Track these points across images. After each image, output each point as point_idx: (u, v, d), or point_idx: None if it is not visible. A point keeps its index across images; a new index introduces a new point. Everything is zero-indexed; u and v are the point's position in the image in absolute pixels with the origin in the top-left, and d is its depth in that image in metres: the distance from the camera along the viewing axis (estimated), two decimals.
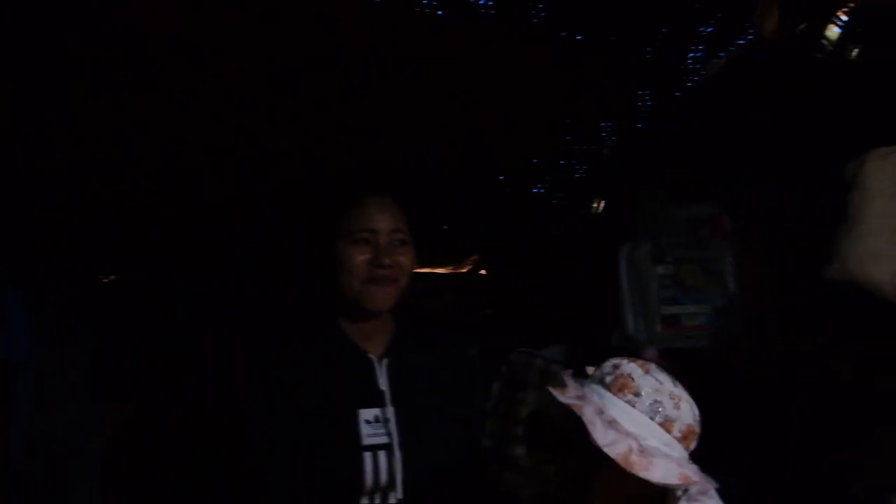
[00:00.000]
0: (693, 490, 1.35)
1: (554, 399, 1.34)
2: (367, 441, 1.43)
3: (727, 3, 2.30)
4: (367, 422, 1.45)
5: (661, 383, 1.38)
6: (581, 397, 1.35)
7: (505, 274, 3.70)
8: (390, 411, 1.47)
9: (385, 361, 1.53)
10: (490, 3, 1.97)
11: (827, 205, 2.16)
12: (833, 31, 2.42)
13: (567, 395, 1.34)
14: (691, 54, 2.57)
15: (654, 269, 2.69)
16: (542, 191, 3.29)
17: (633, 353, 2.99)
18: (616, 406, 1.34)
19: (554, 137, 2.85)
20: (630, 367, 1.41)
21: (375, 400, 1.48)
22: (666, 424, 1.34)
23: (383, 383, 1.50)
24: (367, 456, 1.43)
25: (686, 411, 1.38)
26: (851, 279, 1.90)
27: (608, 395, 1.36)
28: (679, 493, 1.35)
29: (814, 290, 2.16)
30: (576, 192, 3.28)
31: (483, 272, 4.14)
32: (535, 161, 3.05)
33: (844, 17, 2.39)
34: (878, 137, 2.19)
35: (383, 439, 1.44)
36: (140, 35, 1.87)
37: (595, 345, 2.97)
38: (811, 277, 2.13)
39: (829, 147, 2.34)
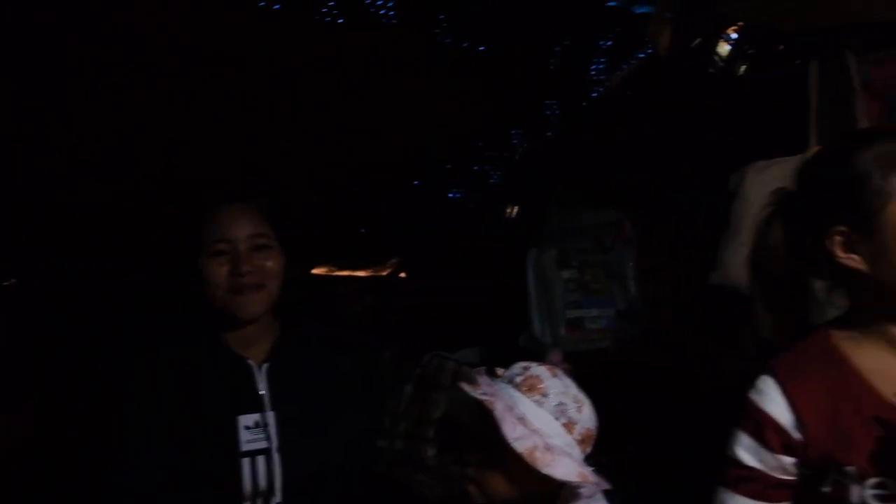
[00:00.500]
0: (585, 492, 1.43)
1: (465, 394, 1.39)
2: (245, 447, 1.43)
3: (625, 19, 2.39)
4: (247, 427, 1.45)
5: (567, 387, 1.45)
6: (492, 394, 1.40)
7: (423, 277, 3.74)
8: (270, 416, 1.47)
9: (266, 366, 1.53)
10: (392, 12, 2.00)
11: (715, 213, 2.27)
12: (724, 48, 2.55)
13: (479, 391, 1.39)
14: (594, 66, 2.66)
15: (559, 273, 2.78)
16: (458, 195, 3.36)
17: (540, 356, 3.10)
18: (525, 404, 1.40)
19: (464, 144, 2.91)
20: (539, 369, 1.47)
21: (255, 405, 1.47)
22: (568, 426, 1.40)
23: (263, 388, 1.49)
24: (246, 462, 1.43)
25: (587, 416, 1.44)
26: (733, 285, 2.00)
27: (517, 394, 1.42)
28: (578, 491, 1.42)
29: (705, 294, 2.28)
30: (491, 197, 3.35)
31: (403, 275, 4.18)
32: (448, 167, 3.10)
33: (734, 35, 2.52)
34: (761, 150, 2.32)
35: (262, 444, 1.44)
36: None
37: (505, 347, 3.04)
38: (703, 281, 2.24)
39: (718, 157, 2.46)
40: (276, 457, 1.44)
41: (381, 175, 2.99)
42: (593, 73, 2.71)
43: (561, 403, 1.41)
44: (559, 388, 1.44)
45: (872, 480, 1.11)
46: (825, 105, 2.13)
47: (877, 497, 1.11)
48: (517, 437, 1.32)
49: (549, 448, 1.34)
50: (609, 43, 2.53)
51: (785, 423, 1.16)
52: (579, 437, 1.41)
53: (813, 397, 1.16)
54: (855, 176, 1.15)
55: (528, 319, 2.85)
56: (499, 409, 1.35)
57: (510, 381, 1.44)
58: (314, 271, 3.99)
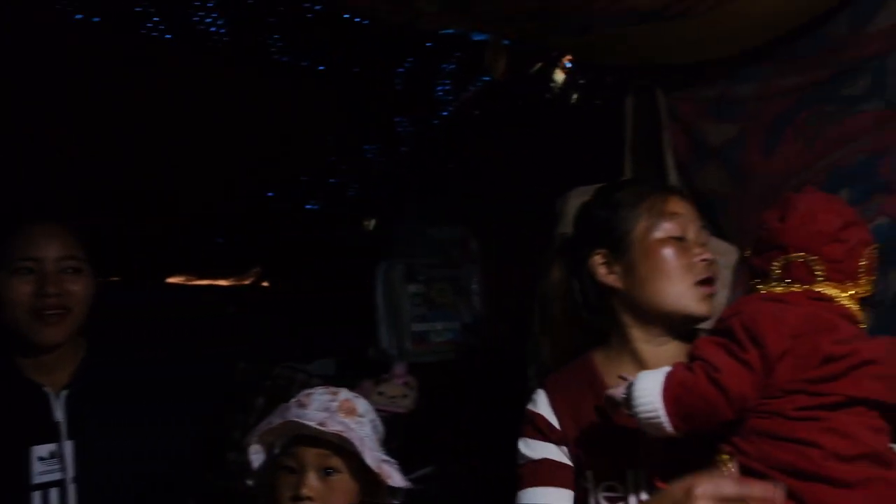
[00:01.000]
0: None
1: (308, 430, 1.40)
2: (37, 479, 1.39)
3: (465, 45, 2.49)
4: (41, 458, 1.40)
5: (369, 404, 1.53)
6: (324, 424, 1.41)
7: (285, 287, 3.72)
8: (67, 445, 1.43)
9: (65, 393, 1.49)
10: (223, 30, 2.00)
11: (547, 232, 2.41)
12: (560, 76, 2.71)
13: (329, 427, 1.40)
14: (440, 87, 2.75)
15: (406, 287, 2.85)
16: (316, 207, 3.37)
17: (387, 367, 3.17)
18: (356, 428, 1.45)
19: (316, 158, 2.93)
20: (346, 392, 1.53)
21: (50, 435, 1.44)
22: (378, 439, 1.49)
23: (60, 416, 1.45)
24: (37, 495, 1.39)
25: (380, 426, 1.53)
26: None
27: (345, 420, 1.45)
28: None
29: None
30: (350, 209, 3.38)
31: (265, 284, 4.12)
32: (304, 179, 3.11)
33: (569, 64, 2.68)
34: (588, 174, 2.48)
35: (56, 476, 1.40)
36: None
37: (357, 359, 3.08)
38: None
39: (552, 180, 2.60)
40: (70, 488, 1.40)
41: (234, 185, 2.96)
42: (440, 93, 2.80)
43: (373, 420, 1.50)
44: (367, 407, 1.52)
45: (604, 483, 1.29)
46: (638, 136, 2.30)
47: (607, 499, 1.28)
48: (372, 461, 1.38)
49: (385, 461, 1.43)
50: (452, 66, 2.62)
51: (551, 420, 1.36)
52: (384, 448, 1.52)
53: (569, 405, 1.36)
54: (611, 208, 1.40)
55: (376, 332, 2.90)
56: (356, 441, 1.39)
57: (326, 409, 1.46)
58: (171, 280, 3.87)
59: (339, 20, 2.00)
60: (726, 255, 2.11)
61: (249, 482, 1.53)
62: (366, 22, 2.01)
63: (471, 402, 2.89)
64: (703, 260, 1.32)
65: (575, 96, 2.62)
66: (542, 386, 1.40)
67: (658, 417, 1.15)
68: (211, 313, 3.95)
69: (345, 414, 1.45)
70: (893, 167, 1.85)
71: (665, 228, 1.33)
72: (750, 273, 1.31)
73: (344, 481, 1.40)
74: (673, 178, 2.25)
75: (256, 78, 2.31)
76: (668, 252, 1.32)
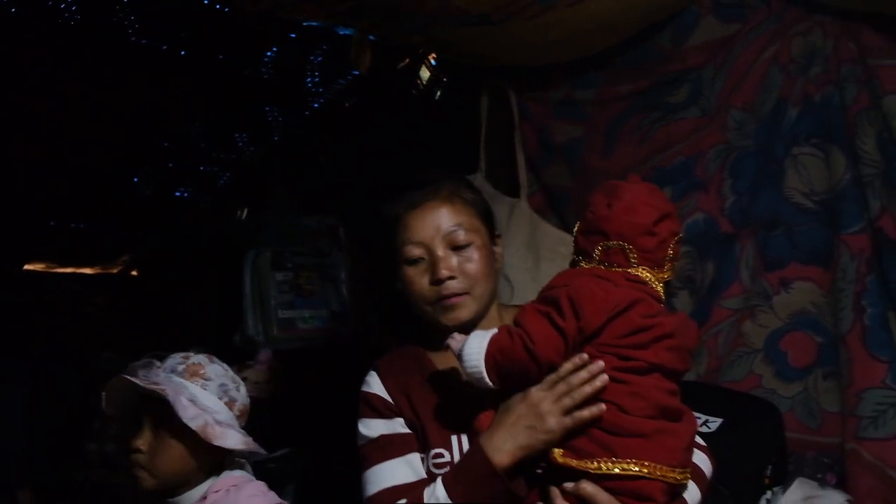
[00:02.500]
0: (242, 461, 1.63)
1: (133, 386, 1.50)
2: None
3: (331, 38, 2.54)
4: None
5: (225, 370, 1.64)
6: (159, 382, 1.53)
7: (155, 275, 3.64)
8: None
9: None
10: (75, 8, 1.96)
11: None
12: (425, 73, 2.81)
13: (145, 382, 1.51)
14: (309, 79, 2.79)
15: (273, 275, 2.88)
16: (185, 195, 3.32)
17: (253, 354, 3.19)
18: (191, 388, 1.56)
19: (183, 145, 2.90)
20: (199, 357, 1.64)
21: None
22: (230, 403, 1.60)
23: None
24: None
25: (243, 394, 1.65)
26: None
27: (181, 380, 1.57)
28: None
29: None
30: (222, 198, 3.36)
31: (135, 273, 4.02)
32: (171, 166, 3.06)
33: (433, 62, 2.79)
34: (451, 169, 2.59)
35: None
36: None
37: (226, 347, 3.07)
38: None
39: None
40: None
41: (95, 169, 2.88)
42: (310, 84, 2.84)
43: (223, 385, 1.61)
44: (219, 371, 1.63)
45: (433, 451, 1.38)
46: (492, 133, 2.44)
47: (436, 465, 1.37)
48: (191, 417, 1.48)
49: (217, 423, 1.52)
50: (319, 59, 2.67)
51: (384, 397, 1.44)
52: (238, 413, 1.62)
53: (399, 383, 1.45)
54: (388, 223, 1.47)
55: (243, 319, 2.91)
56: (170, 394, 1.50)
57: (172, 371, 1.60)
58: (28, 267, 3.71)
59: (199, 5, 2.00)
60: (567, 244, 2.29)
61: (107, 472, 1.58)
62: (226, 9, 2.02)
63: (335, 388, 2.96)
64: (443, 277, 1.39)
65: (439, 93, 2.73)
66: (373, 367, 1.48)
67: (481, 375, 1.28)
68: (74, 302, 3.82)
69: (189, 376, 1.58)
70: (706, 168, 2.08)
71: (406, 252, 1.42)
72: (574, 250, 1.42)
73: (173, 436, 1.50)
74: (523, 173, 2.40)
75: (116, 61, 2.27)
76: (409, 276, 1.42)
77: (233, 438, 1.52)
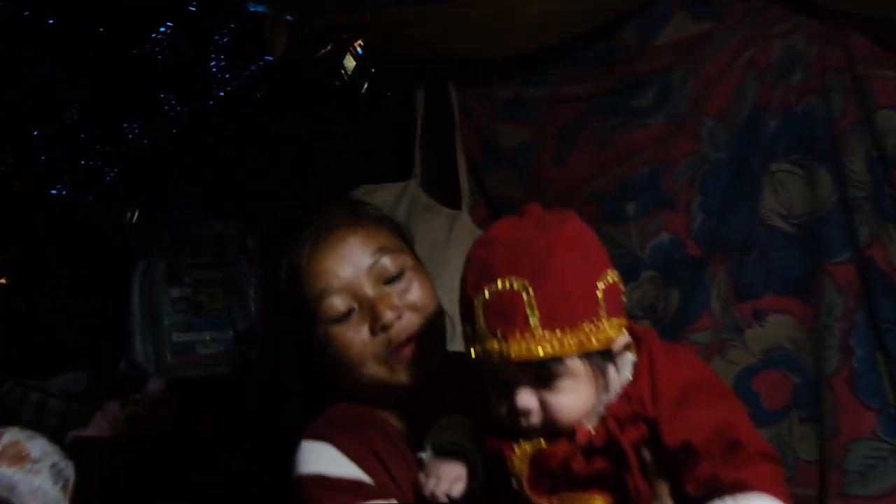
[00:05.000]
0: None
1: None
2: None
3: (239, 16, 2.17)
4: None
5: (44, 441, 1.37)
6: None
7: (22, 285, 3.13)
8: None
9: None
10: None
11: None
12: (350, 63, 2.47)
13: None
14: (213, 62, 2.40)
15: (168, 290, 2.47)
16: (63, 192, 2.86)
17: (141, 385, 2.77)
18: (20, 481, 1.28)
19: (60, 134, 2.45)
20: (13, 433, 1.35)
21: None
22: (66, 486, 1.35)
23: None
24: None
25: (71, 467, 1.38)
26: None
27: (6, 470, 1.28)
28: None
29: None
30: (107, 197, 2.91)
31: (3, 281, 3.48)
32: (45, 158, 2.60)
33: (360, 50, 2.45)
34: (376, 171, 2.28)
35: None
36: None
37: (108, 374, 2.64)
38: None
39: (338, 175, 2.37)
40: None
41: None
42: (214, 69, 2.45)
43: (55, 464, 1.34)
44: (42, 445, 1.35)
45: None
46: (429, 133, 2.14)
47: None
48: None
49: None
50: (226, 39, 2.28)
51: (352, 474, 1.12)
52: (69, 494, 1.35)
53: (356, 442, 1.15)
54: (290, 288, 1.19)
55: (130, 343, 2.49)
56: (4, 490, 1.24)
57: None
58: None
59: None
60: None
61: None
62: None
63: (243, 427, 2.57)
64: (390, 321, 1.11)
65: (366, 85, 2.40)
66: (316, 438, 1.15)
67: None
68: None
69: (8, 462, 1.28)
70: (675, 182, 1.84)
71: (326, 310, 1.12)
72: None
73: None
74: (465, 181, 2.10)
75: None
76: (339, 338, 1.13)
77: None
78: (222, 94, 2.60)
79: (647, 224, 1.87)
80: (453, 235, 1.96)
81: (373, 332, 1.12)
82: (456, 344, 1.80)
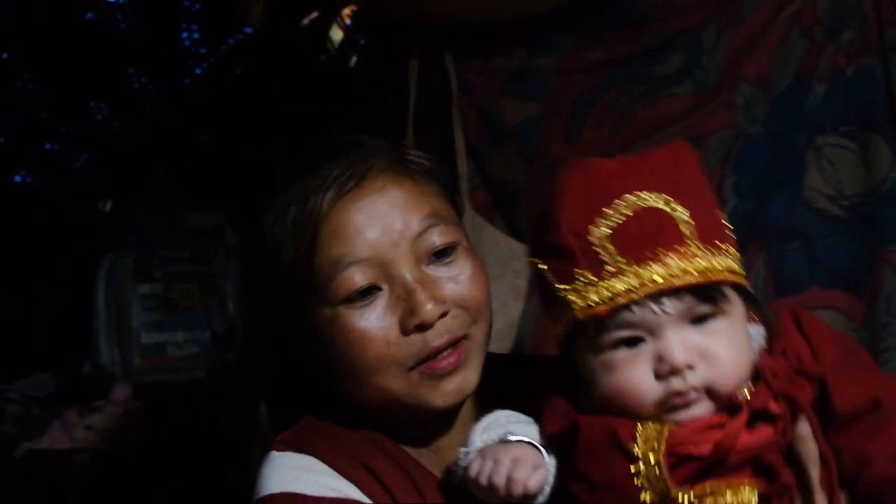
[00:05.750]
0: None
1: None
2: None
3: None
4: None
5: None
6: None
7: None
8: None
9: None
10: None
11: None
12: (338, 35, 2.25)
13: None
14: (185, 34, 2.17)
15: (135, 287, 2.24)
16: (28, 180, 2.64)
17: (107, 389, 2.54)
18: None
19: (18, 115, 2.22)
20: None
21: None
22: None
23: None
24: None
25: None
26: None
27: None
28: None
29: None
30: (78, 185, 2.68)
31: None
32: (4, 141, 2.38)
33: (349, 21, 2.23)
34: None
35: None
36: None
37: (73, 377, 2.41)
38: None
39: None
40: None
41: None
42: (188, 43, 2.22)
43: None
44: None
45: None
46: (424, 111, 1.90)
47: None
48: None
49: None
50: (197, 7, 2.06)
51: (341, 496, 0.86)
52: None
53: (345, 456, 0.89)
54: (282, 226, 0.90)
55: (94, 343, 2.27)
56: None
57: None
58: None
59: None
60: (521, 258, 1.78)
61: None
62: None
63: (219, 440, 2.33)
64: (433, 318, 0.83)
65: (354, 59, 2.17)
66: (293, 448, 0.90)
67: None
68: None
69: None
70: (705, 160, 1.59)
71: (342, 284, 0.83)
72: None
73: None
74: (463, 163, 1.87)
75: None
76: (352, 329, 0.83)
77: None
78: (198, 70, 2.38)
79: None
80: None
81: (403, 328, 0.84)
82: None
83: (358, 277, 0.83)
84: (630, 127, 1.69)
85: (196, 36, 2.18)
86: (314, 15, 2.20)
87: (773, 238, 1.59)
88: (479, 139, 1.92)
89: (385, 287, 0.85)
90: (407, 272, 0.84)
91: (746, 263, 1.57)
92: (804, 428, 0.74)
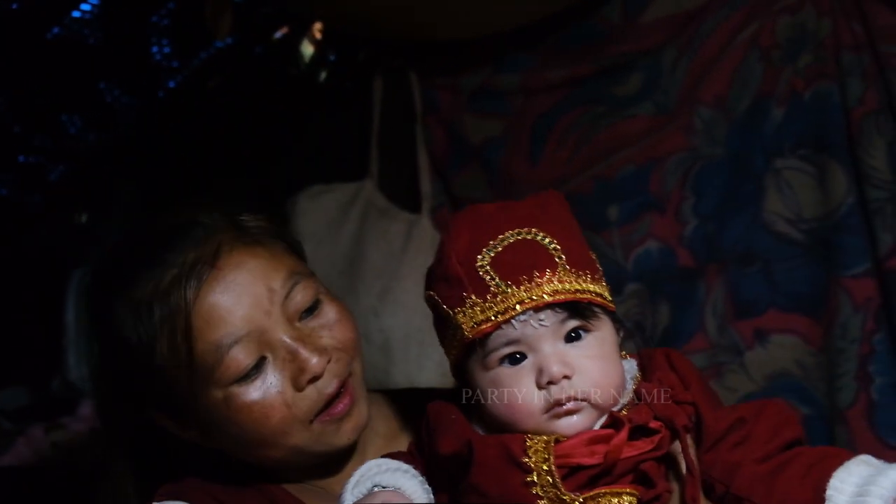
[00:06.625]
0: None
1: None
2: None
3: None
4: None
5: None
6: None
7: None
8: None
9: None
10: None
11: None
12: (308, 50, 2.24)
13: None
14: (156, 48, 2.16)
15: None
16: (2, 192, 2.63)
17: (75, 404, 2.53)
18: None
19: None
20: None
21: None
22: None
23: None
24: None
25: None
26: None
27: None
28: None
29: None
30: (54, 198, 2.67)
31: None
32: None
33: (319, 36, 2.22)
34: (331, 170, 2.04)
35: None
36: None
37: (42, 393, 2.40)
38: None
39: (294, 173, 2.14)
40: None
41: None
42: (159, 57, 2.21)
43: None
44: None
45: None
46: (388, 128, 1.90)
47: None
48: None
49: None
50: (166, 22, 2.05)
51: None
52: None
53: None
54: (147, 328, 0.89)
55: (63, 358, 2.26)
56: None
57: None
58: None
59: None
60: None
61: None
62: None
63: (197, 460, 2.30)
64: (319, 369, 0.88)
65: (324, 75, 2.16)
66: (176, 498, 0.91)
67: None
68: None
69: None
70: (664, 182, 1.59)
71: (228, 365, 0.85)
72: None
73: None
74: (426, 181, 1.86)
75: None
76: (249, 406, 0.86)
77: None
78: (172, 84, 2.37)
79: (631, 230, 1.62)
80: (411, 244, 1.72)
81: (297, 385, 0.87)
82: (398, 374, 1.52)
83: (242, 356, 0.86)
84: (591, 147, 1.68)
85: (167, 50, 2.17)
86: (285, 30, 2.19)
87: (732, 260, 1.58)
88: (444, 157, 1.90)
89: (269, 355, 0.88)
90: (284, 335, 0.87)
91: (705, 285, 1.60)
92: (676, 446, 0.82)
